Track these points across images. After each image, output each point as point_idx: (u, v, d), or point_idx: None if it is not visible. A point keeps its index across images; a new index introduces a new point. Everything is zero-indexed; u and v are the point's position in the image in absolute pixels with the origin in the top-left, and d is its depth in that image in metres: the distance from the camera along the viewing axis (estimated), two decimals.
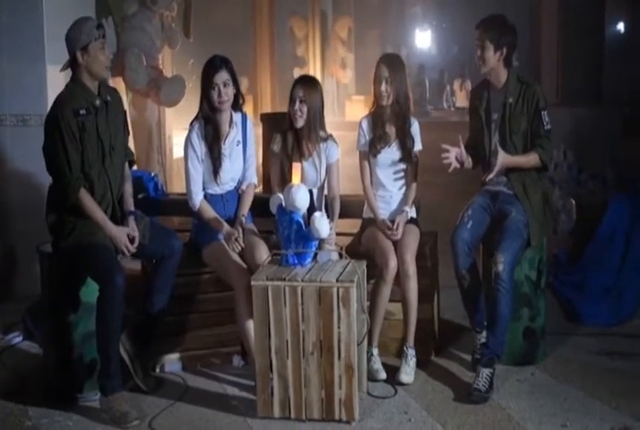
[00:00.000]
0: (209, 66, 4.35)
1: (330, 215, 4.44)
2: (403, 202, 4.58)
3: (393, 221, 4.49)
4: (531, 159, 4.40)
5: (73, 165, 3.97)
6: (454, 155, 4.41)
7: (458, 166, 4.44)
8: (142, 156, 7.39)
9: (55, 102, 4.03)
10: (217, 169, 4.38)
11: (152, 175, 5.78)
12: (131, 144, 7.03)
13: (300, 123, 4.43)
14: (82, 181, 3.99)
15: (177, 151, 8.16)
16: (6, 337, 5.03)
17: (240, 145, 4.47)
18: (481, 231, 4.47)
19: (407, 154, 4.55)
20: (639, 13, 8.01)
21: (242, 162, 4.50)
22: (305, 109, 4.40)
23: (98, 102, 4.04)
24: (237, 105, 4.46)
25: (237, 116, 4.48)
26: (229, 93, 4.33)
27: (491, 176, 4.34)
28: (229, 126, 4.44)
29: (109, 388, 3.91)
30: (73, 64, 4.04)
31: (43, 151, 4.06)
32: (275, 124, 5.28)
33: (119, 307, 3.88)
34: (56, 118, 3.96)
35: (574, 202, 6.36)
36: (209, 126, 4.38)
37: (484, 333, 4.42)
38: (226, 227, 4.34)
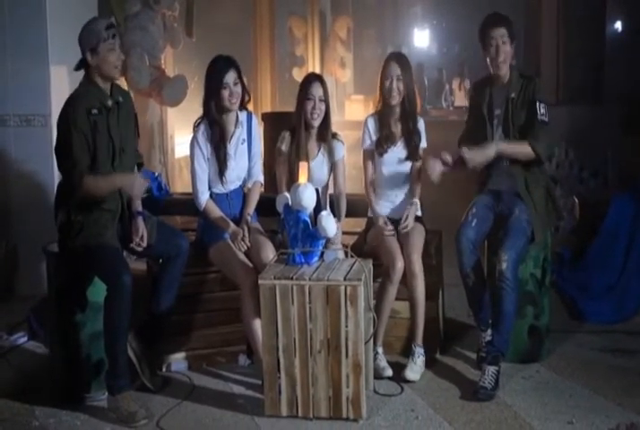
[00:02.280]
0: (217, 67, 4.35)
1: (337, 212, 4.46)
2: (409, 195, 4.60)
3: (397, 220, 4.52)
4: (522, 147, 4.33)
5: (79, 162, 3.96)
6: (438, 164, 4.39)
7: (441, 171, 4.39)
8: (145, 155, 7.37)
9: (67, 100, 4.04)
10: (223, 170, 4.39)
11: (156, 174, 5.79)
12: None
13: (319, 121, 4.47)
14: (87, 172, 3.98)
15: (179, 151, 8.18)
16: (11, 337, 5.03)
17: (245, 143, 4.49)
18: (486, 229, 4.48)
19: (413, 152, 4.57)
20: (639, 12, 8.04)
21: (247, 160, 4.51)
22: (323, 108, 4.44)
23: (110, 102, 4.04)
24: (242, 103, 4.47)
25: (242, 115, 4.50)
26: (239, 91, 4.35)
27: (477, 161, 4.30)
28: (235, 126, 4.46)
29: (117, 387, 3.92)
30: (86, 65, 4.04)
31: (55, 151, 4.07)
32: (277, 124, 5.28)
33: (127, 307, 3.89)
34: (66, 118, 3.98)
35: (577, 200, 6.37)
36: (215, 128, 4.38)
37: (489, 331, 4.44)
38: (232, 226, 4.36)
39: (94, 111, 3.99)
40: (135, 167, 4.30)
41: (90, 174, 3.96)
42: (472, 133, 4.58)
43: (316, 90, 4.45)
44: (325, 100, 4.46)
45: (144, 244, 4.12)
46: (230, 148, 4.42)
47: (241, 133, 4.48)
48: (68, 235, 4.04)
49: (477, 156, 4.31)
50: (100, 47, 3.98)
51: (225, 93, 4.32)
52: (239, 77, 4.38)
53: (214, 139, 4.38)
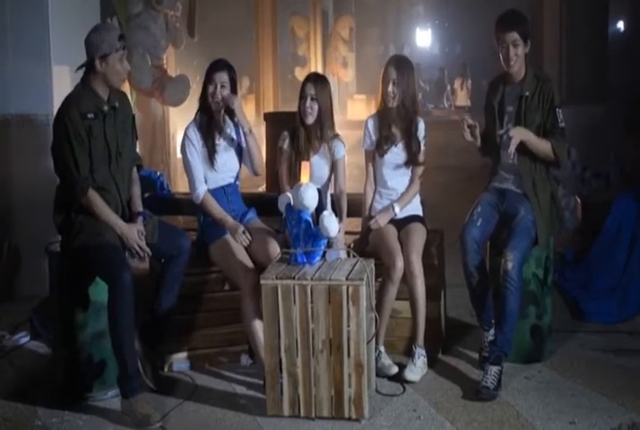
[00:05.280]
0: (213, 65, 4.48)
1: (338, 212, 4.46)
2: (398, 199, 4.59)
3: (397, 220, 4.53)
4: (544, 144, 4.36)
5: (81, 165, 3.98)
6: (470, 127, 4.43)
7: (471, 139, 4.43)
8: (147, 155, 7.41)
9: (63, 104, 4.05)
10: (212, 154, 4.44)
11: (158, 174, 5.79)
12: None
13: (310, 120, 4.47)
14: (91, 181, 4.00)
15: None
16: (14, 337, 5.03)
17: (235, 142, 4.54)
18: (490, 228, 4.47)
19: (413, 155, 4.57)
20: None
21: (238, 157, 4.55)
22: (315, 107, 4.45)
23: (106, 108, 4.04)
24: (231, 112, 4.51)
25: (230, 123, 4.58)
26: (224, 94, 4.41)
27: (511, 149, 4.26)
28: (224, 123, 4.52)
29: (130, 389, 3.88)
30: (89, 68, 4.03)
31: (52, 152, 4.08)
32: (279, 123, 5.29)
33: (129, 306, 3.87)
34: (63, 120, 3.98)
35: (579, 200, 6.37)
36: (205, 116, 4.47)
37: (491, 331, 4.44)
38: (230, 220, 4.38)
39: (90, 115, 3.99)
40: (134, 169, 4.31)
41: (93, 186, 3.99)
42: (487, 133, 4.59)
43: (309, 89, 4.48)
44: (319, 99, 4.46)
45: (144, 245, 4.12)
46: (219, 139, 4.49)
47: (231, 132, 4.54)
48: (68, 235, 4.05)
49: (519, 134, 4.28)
50: (111, 57, 3.98)
51: (210, 88, 4.42)
52: (231, 84, 4.44)
53: (203, 126, 4.46)
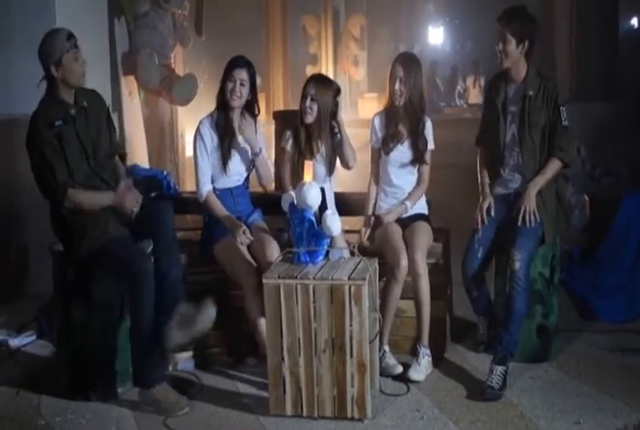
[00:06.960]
0: (232, 62, 4.44)
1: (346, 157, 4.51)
2: (408, 196, 4.57)
3: (402, 219, 4.52)
4: (554, 171, 4.39)
5: (58, 171, 3.97)
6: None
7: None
8: (155, 154, 7.42)
9: (30, 121, 4.05)
10: (226, 159, 4.42)
11: (165, 173, 5.79)
12: (143, 142, 7.09)
13: (310, 119, 4.45)
14: (71, 182, 3.99)
15: (190, 150, 8.19)
16: (20, 336, 5.04)
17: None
18: (492, 249, 4.46)
19: (419, 154, 4.54)
20: None
21: (250, 161, 4.52)
22: (315, 107, 4.43)
23: (73, 111, 4.04)
24: (251, 110, 4.52)
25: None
26: (243, 92, 4.38)
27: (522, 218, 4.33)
28: (241, 123, 4.47)
29: (150, 380, 3.94)
30: (48, 78, 4.04)
31: (32, 171, 4.08)
32: (288, 121, 5.29)
33: (151, 293, 3.90)
34: (33, 136, 4.00)
35: (587, 198, 6.33)
36: (222, 117, 4.43)
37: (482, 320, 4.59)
38: (231, 220, 4.37)
39: (57, 123, 3.98)
40: (117, 158, 4.32)
41: (74, 186, 3.98)
42: (488, 132, 4.56)
43: (309, 89, 4.46)
44: (318, 100, 4.43)
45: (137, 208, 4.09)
46: (234, 139, 4.45)
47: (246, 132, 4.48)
48: (71, 244, 4.06)
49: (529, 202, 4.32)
50: (65, 59, 3.97)
51: (229, 85, 4.37)
52: (251, 82, 4.41)
53: (219, 128, 4.42)
